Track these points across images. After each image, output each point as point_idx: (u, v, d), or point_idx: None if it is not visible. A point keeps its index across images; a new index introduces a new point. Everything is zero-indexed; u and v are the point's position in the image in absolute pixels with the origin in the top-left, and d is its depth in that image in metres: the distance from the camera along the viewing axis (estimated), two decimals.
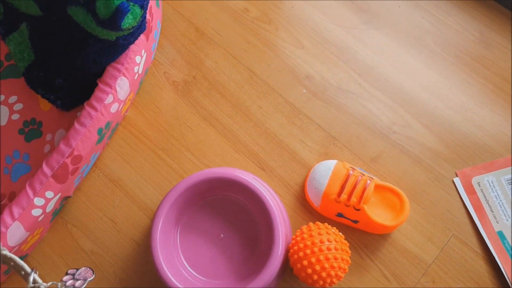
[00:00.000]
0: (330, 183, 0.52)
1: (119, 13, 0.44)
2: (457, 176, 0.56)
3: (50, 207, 0.50)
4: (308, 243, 0.48)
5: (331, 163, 0.54)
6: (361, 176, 0.52)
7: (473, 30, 0.62)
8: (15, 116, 0.58)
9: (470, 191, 0.55)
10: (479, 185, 0.55)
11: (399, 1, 0.64)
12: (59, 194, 0.51)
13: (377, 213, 0.52)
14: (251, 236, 0.51)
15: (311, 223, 0.51)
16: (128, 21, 0.46)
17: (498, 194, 0.55)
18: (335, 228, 0.50)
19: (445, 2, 0.63)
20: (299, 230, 0.50)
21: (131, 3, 0.46)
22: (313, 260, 0.46)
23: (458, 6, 0.63)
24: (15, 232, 0.47)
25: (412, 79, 0.60)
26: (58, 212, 0.56)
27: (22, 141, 0.57)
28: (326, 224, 0.51)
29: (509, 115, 0.58)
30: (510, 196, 0.54)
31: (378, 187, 0.52)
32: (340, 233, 0.50)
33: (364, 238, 0.54)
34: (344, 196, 0.51)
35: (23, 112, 0.58)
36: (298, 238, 0.49)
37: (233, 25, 0.64)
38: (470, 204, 0.55)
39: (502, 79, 0.60)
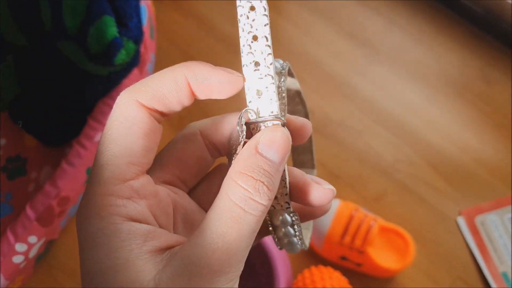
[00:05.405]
0: (333, 224, 0.50)
1: (112, 48, 0.42)
2: (460, 215, 0.55)
3: (33, 252, 0.47)
4: None
5: (334, 204, 0.52)
6: (365, 217, 0.50)
7: (474, 66, 0.62)
8: None
9: (474, 230, 0.54)
10: (482, 224, 0.54)
11: (400, 36, 0.64)
12: (44, 239, 0.47)
13: (382, 256, 0.50)
14: (250, 281, 0.49)
15: (313, 267, 0.49)
16: (121, 57, 0.44)
17: (501, 234, 0.54)
18: (338, 272, 0.48)
19: (446, 39, 0.63)
20: (300, 275, 0.48)
21: (124, 38, 0.44)
22: None
23: (459, 42, 0.63)
24: None
25: (415, 115, 0.59)
26: (42, 256, 0.52)
27: (4, 179, 0.54)
28: (329, 267, 0.49)
29: (510, 153, 0.58)
30: None
31: (382, 229, 0.51)
32: (344, 277, 0.48)
33: (368, 282, 0.52)
34: (347, 238, 0.49)
35: (7, 148, 0.55)
36: (300, 284, 0.47)
37: (231, 56, 0.62)
38: (474, 244, 0.54)
39: (503, 117, 0.59)
